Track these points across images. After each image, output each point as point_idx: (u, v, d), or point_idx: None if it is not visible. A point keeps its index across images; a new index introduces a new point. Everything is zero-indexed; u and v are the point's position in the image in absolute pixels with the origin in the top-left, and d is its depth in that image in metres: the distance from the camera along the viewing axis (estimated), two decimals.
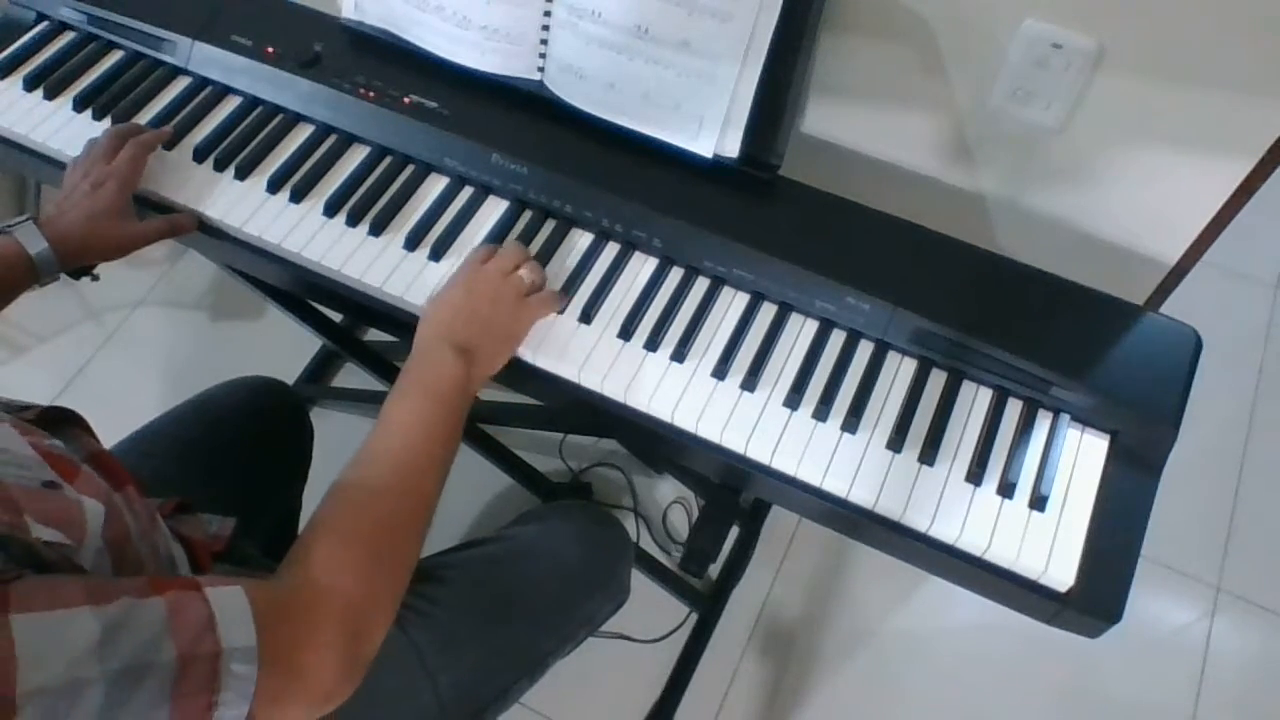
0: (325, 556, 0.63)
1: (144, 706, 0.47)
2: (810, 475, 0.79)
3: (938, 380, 0.83)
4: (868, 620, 1.49)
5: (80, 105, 0.99)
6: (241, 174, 0.94)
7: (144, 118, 0.98)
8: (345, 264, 0.89)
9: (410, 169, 0.95)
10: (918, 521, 0.77)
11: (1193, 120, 0.79)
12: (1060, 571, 0.74)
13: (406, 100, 0.95)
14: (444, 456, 0.75)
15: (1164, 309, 0.91)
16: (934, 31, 0.84)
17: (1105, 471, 0.79)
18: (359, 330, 1.66)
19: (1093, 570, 0.74)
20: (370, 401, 1.65)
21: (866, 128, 0.95)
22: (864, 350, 0.84)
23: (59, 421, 0.68)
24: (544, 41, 0.92)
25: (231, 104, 1.00)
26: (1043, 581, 0.75)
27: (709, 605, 1.46)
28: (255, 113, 0.99)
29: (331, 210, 0.92)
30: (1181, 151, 0.82)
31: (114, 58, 1.04)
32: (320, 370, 1.74)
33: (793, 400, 0.81)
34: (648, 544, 1.54)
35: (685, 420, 0.81)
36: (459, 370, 0.77)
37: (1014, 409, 0.82)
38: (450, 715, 0.86)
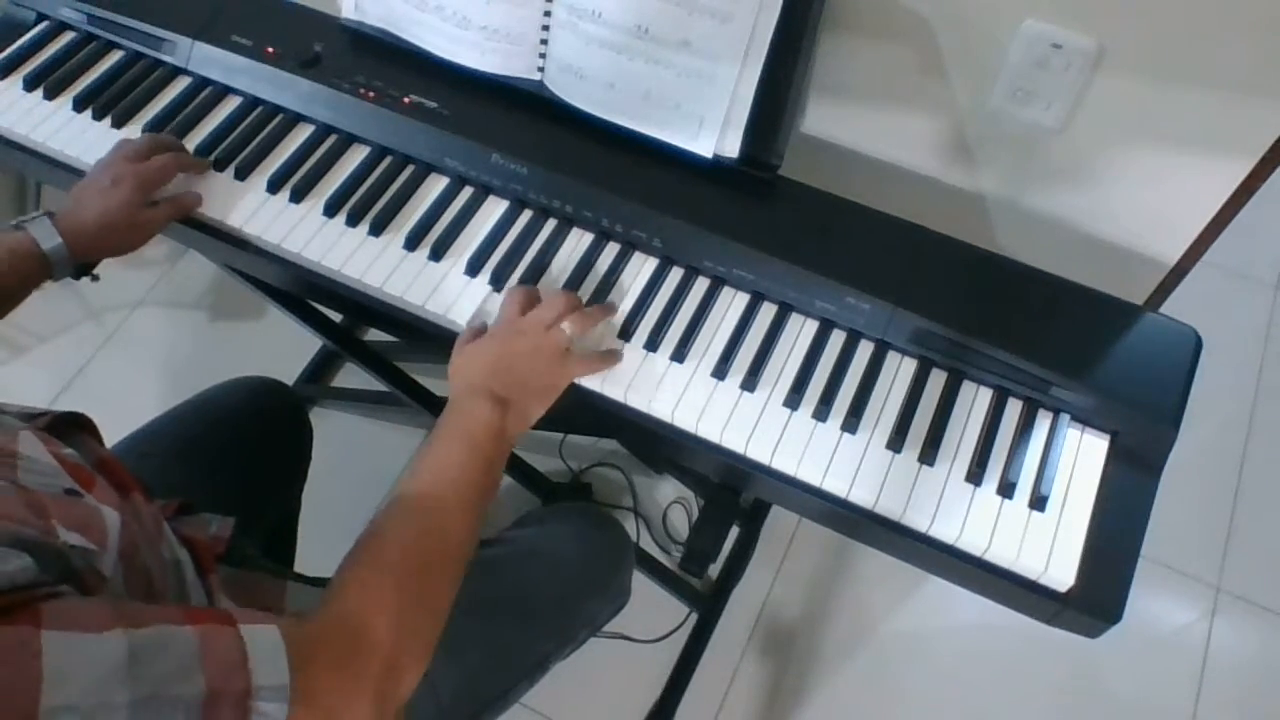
0: (360, 599, 0.62)
1: None
2: (810, 475, 0.79)
3: (938, 380, 0.83)
4: (868, 620, 1.49)
5: (80, 105, 0.99)
6: (241, 174, 0.94)
7: (144, 118, 0.99)
8: (345, 264, 0.89)
9: (410, 169, 0.95)
10: (918, 521, 0.77)
11: (1193, 120, 0.79)
12: (1060, 571, 0.74)
13: (406, 100, 0.95)
14: (479, 502, 0.73)
15: (1164, 309, 0.91)
16: (934, 31, 0.84)
17: (1105, 471, 0.79)
18: (359, 330, 1.66)
19: (1093, 570, 0.74)
20: (370, 401, 1.65)
21: (866, 128, 0.95)
22: (864, 350, 0.84)
23: (68, 426, 0.68)
24: (544, 41, 0.92)
25: (231, 104, 1.00)
26: (1043, 581, 0.75)
27: (709, 605, 1.46)
28: (255, 113, 0.99)
29: (331, 210, 0.92)
30: (1181, 151, 0.82)
31: (114, 58, 1.04)
32: (320, 370, 1.74)
33: (793, 400, 0.81)
34: (648, 544, 1.54)
35: (685, 420, 0.81)
36: (495, 419, 0.76)
37: (1014, 409, 0.82)
38: (450, 716, 0.86)
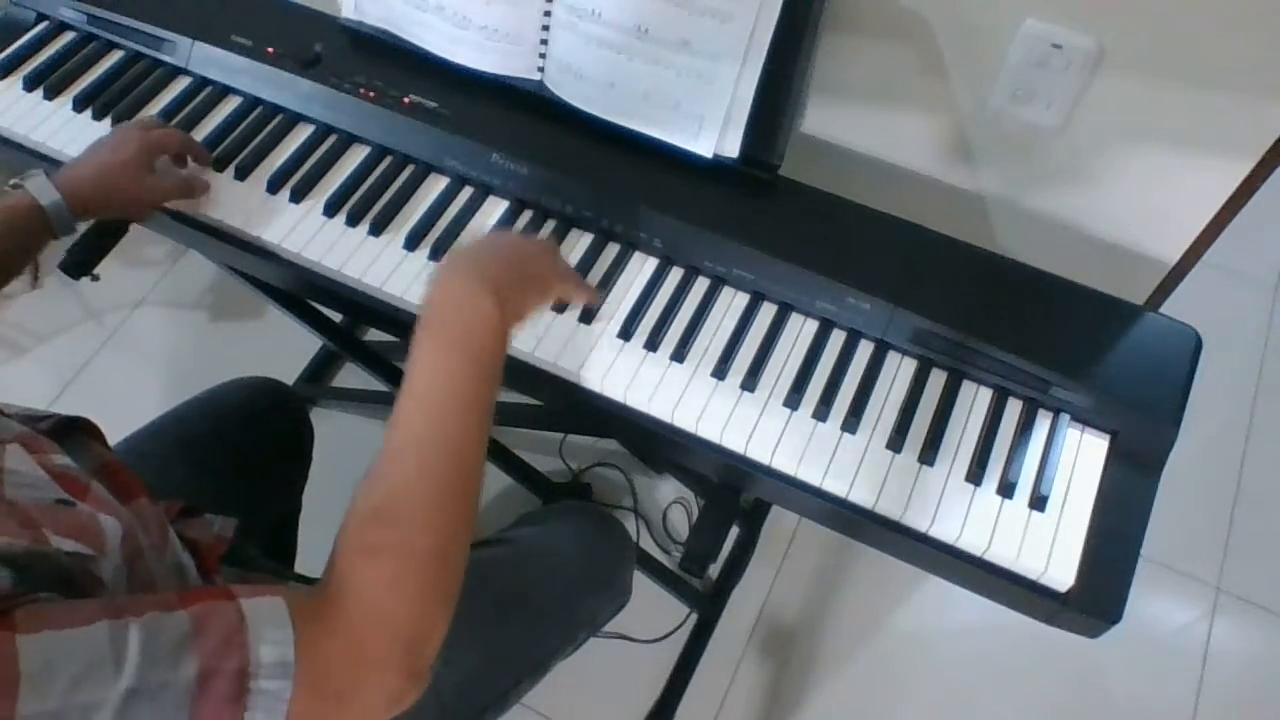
0: (369, 574, 0.55)
1: None
2: (810, 475, 0.79)
3: (938, 380, 0.83)
4: (868, 620, 1.49)
5: (80, 105, 1.00)
6: (242, 174, 0.94)
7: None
8: (345, 264, 0.89)
9: (410, 169, 0.95)
10: (918, 521, 0.77)
11: (1193, 120, 0.79)
12: (1060, 571, 0.74)
13: (406, 100, 0.95)
14: (486, 414, 0.64)
15: (1164, 309, 0.91)
16: (934, 32, 0.84)
17: (1105, 471, 0.79)
18: (359, 330, 1.66)
19: (1093, 570, 0.74)
20: (370, 401, 1.65)
21: (866, 128, 0.95)
22: (864, 350, 0.84)
23: (71, 430, 0.68)
24: (544, 41, 0.92)
25: (231, 104, 1.00)
26: (1043, 581, 0.75)
27: (709, 605, 1.46)
28: (255, 113, 0.99)
29: (331, 210, 0.92)
30: (1181, 151, 0.82)
31: (114, 58, 1.04)
32: (320, 370, 1.74)
33: (793, 400, 0.81)
34: (648, 544, 1.54)
35: (685, 420, 0.81)
36: (496, 315, 0.65)
37: (1014, 409, 0.82)
38: (451, 717, 0.86)
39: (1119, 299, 0.85)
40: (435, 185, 0.94)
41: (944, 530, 0.76)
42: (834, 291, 0.84)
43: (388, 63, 0.98)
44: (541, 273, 0.74)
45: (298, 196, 0.93)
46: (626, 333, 0.85)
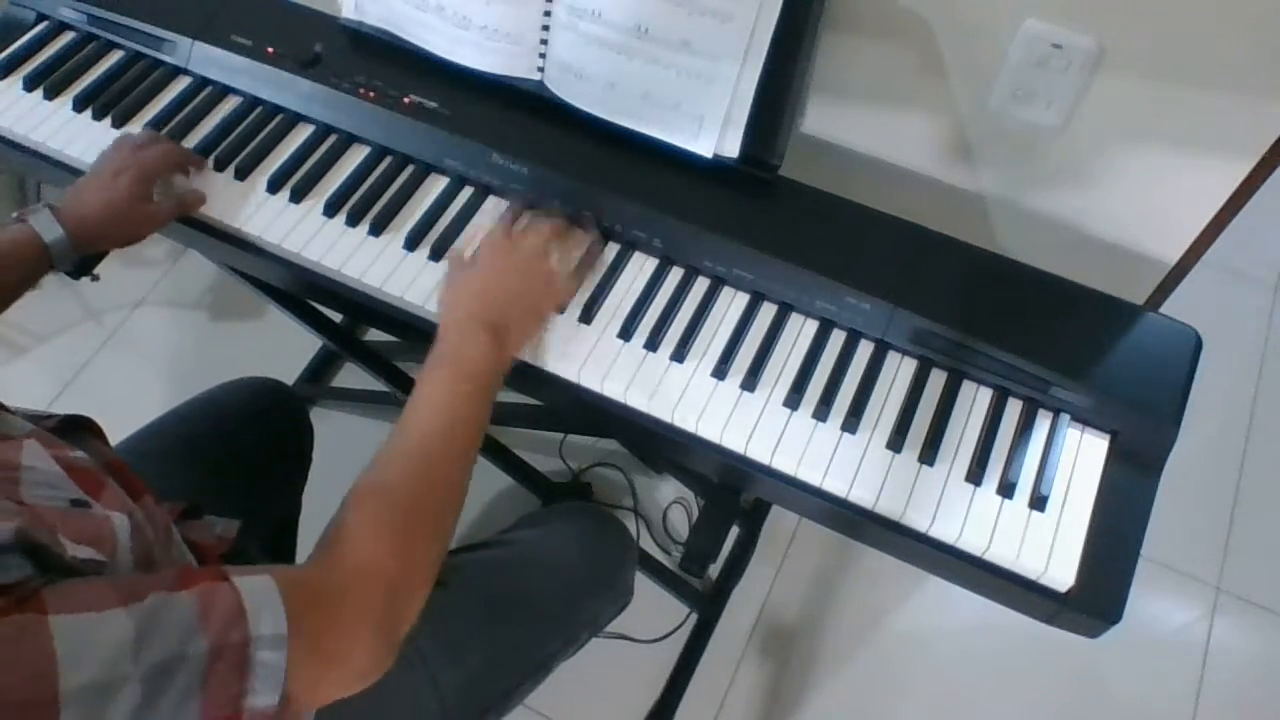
0: (357, 536, 0.63)
1: (178, 697, 0.48)
2: (810, 475, 0.79)
3: (938, 380, 0.83)
4: (868, 620, 1.49)
5: (80, 105, 0.99)
6: (241, 174, 0.94)
7: (144, 118, 0.98)
8: (345, 264, 0.89)
9: (410, 169, 0.95)
10: (918, 521, 0.77)
11: (1193, 120, 0.79)
12: (1060, 571, 0.74)
13: (406, 100, 0.95)
14: (475, 436, 0.74)
15: (1164, 309, 0.91)
16: (934, 32, 0.84)
17: (1105, 471, 0.79)
18: (359, 330, 1.66)
19: (1092, 570, 0.74)
20: (370, 401, 1.65)
21: (866, 128, 0.95)
22: (864, 350, 0.84)
23: (74, 429, 0.68)
24: (544, 41, 0.92)
25: (231, 104, 1.00)
26: (1043, 581, 0.75)
27: (709, 605, 1.46)
28: (255, 113, 0.99)
29: (331, 210, 0.92)
30: (1181, 151, 0.82)
31: (114, 58, 1.04)
32: (320, 370, 1.74)
33: (793, 400, 0.81)
34: (648, 544, 1.54)
35: (685, 420, 0.81)
36: (492, 349, 0.77)
37: (1014, 409, 0.82)
38: (453, 717, 0.86)
39: (1119, 299, 0.85)
40: (435, 185, 0.94)
41: (944, 530, 0.76)
42: (834, 291, 0.84)
43: (388, 63, 0.98)
44: (539, 303, 0.83)
45: (298, 196, 0.93)
46: (626, 333, 0.85)
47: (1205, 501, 1.59)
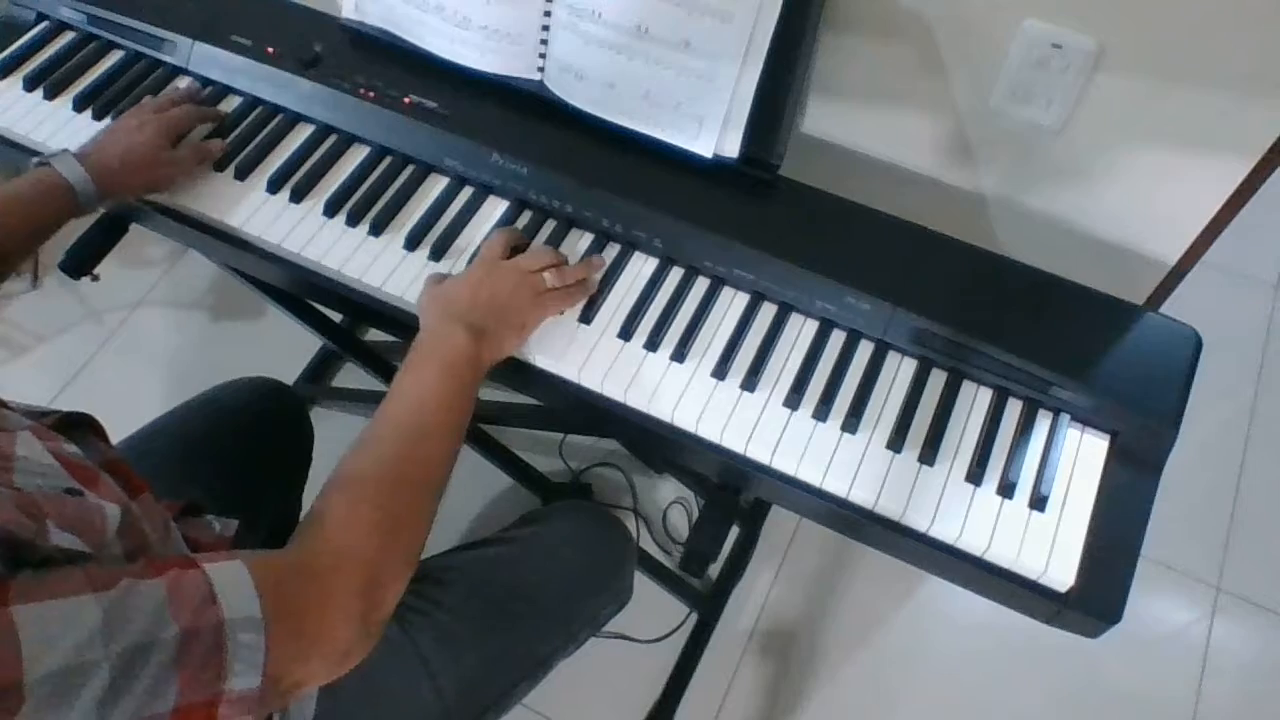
0: (335, 519, 0.64)
1: (151, 682, 0.48)
2: (810, 475, 0.79)
3: (938, 380, 0.83)
4: (868, 620, 1.49)
5: (80, 105, 1.00)
6: (241, 174, 0.94)
7: None
8: (345, 264, 0.89)
9: (410, 169, 0.95)
10: (918, 521, 0.77)
11: (1193, 120, 0.79)
12: (1060, 571, 0.74)
13: (406, 100, 0.95)
14: (456, 424, 0.75)
15: (1164, 309, 0.91)
16: (934, 32, 0.84)
17: (1105, 471, 0.79)
18: (359, 330, 1.66)
19: (1093, 570, 0.74)
20: (370, 401, 1.65)
21: (866, 128, 0.95)
22: (864, 350, 0.84)
23: (75, 426, 0.68)
24: (544, 41, 0.92)
25: (231, 104, 1.00)
26: (1043, 581, 0.75)
27: (709, 605, 1.46)
28: (255, 113, 0.99)
29: (331, 210, 0.92)
30: (1181, 151, 0.82)
31: (114, 58, 1.04)
32: (320, 370, 1.74)
33: (793, 400, 0.81)
34: (648, 544, 1.54)
35: (685, 420, 0.81)
36: (470, 347, 0.77)
37: (1014, 409, 0.82)
38: (453, 717, 0.86)
39: (1119, 299, 0.85)
40: (435, 185, 0.94)
41: (944, 530, 0.76)
42: (834, 291, 0.84)
43: (388, 63, 0.98)
44: (526, 319, 0.83)
45: (298, 196, 0.93)
46: (626, 333, 0.85)
47: (1205, 501, 1.59)
